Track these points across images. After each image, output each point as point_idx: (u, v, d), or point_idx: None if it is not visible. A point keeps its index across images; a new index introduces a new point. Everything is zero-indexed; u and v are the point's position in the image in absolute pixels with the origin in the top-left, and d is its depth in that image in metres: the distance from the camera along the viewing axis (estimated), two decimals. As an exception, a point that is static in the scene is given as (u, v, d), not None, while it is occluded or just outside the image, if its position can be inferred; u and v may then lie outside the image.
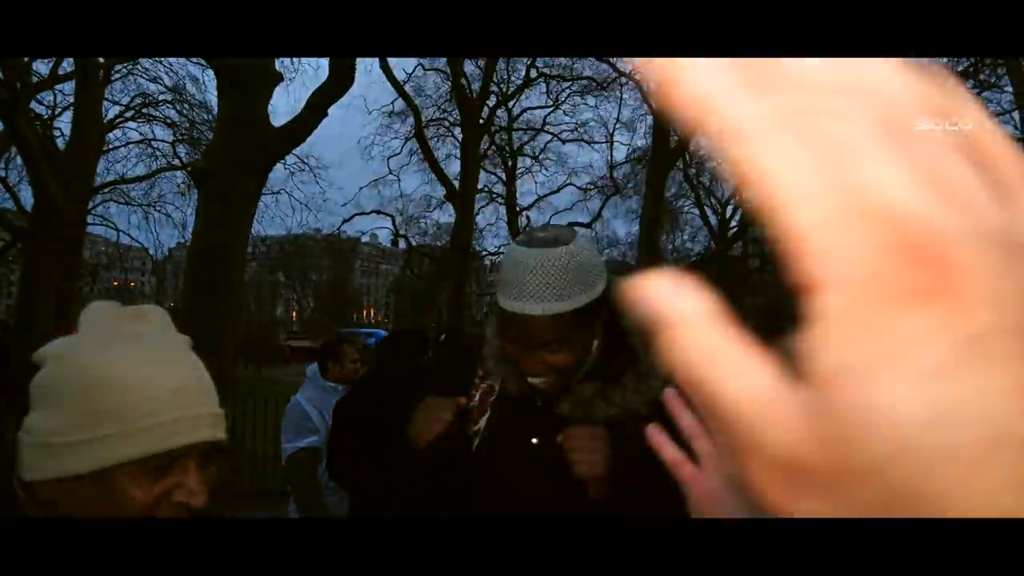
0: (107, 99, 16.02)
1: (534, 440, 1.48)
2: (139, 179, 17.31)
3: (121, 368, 0.88)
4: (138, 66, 16.31)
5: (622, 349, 1.49)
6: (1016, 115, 14.84)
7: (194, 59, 15.50)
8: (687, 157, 24.72)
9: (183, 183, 16.86)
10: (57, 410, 0.87)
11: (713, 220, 30.44)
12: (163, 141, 16.80)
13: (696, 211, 29.96)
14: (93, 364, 0.88)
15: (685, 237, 31.47)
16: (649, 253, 18.96)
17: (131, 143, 17.12)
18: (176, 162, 16.48)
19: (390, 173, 23.94)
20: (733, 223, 29.27)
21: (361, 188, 24.78)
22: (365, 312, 58.86)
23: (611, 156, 24.68)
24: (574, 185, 27.70)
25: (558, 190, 27.92)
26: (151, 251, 19.45)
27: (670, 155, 19.79)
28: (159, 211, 17.89)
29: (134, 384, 0.88)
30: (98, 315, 0.95)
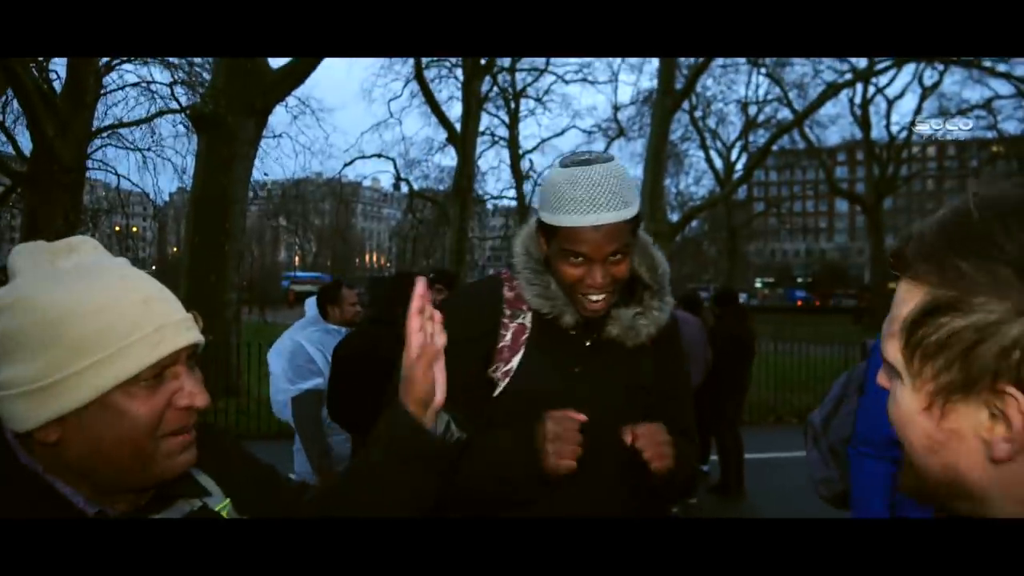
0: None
1: (576, 369, 1.54)
2: (138, 123, 17.02)
3: (84, 295, 0.86)
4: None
5: (634, 273, 1.57)
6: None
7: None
8: (693, 99, 24.27)
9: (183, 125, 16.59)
10: (32, 355, 0.84)
11: (718, 163, 30.13)
12: (161, 84, 16.46)
13: (701, 154, 29.63)
14: (52, 301, 0.84)
15: (690, 180, 31.23)
16: (653, 196, 18.78)
17: (128, 86, 16.78)
18: (175, 105, 16.18)
19: (391, 116, 23.65)
20: (738, 166, 28.95)
21: (363, 133, 24.40)
22: (368, 257, 58.83)
23: (615, 98, 24.30)
24: (578, 127, 27.39)
25: (562, 133, 27.67)
26: (151, 196, 19.19)
27: (675, 97, 19.43)
28: (158, 155, 17.64)
29: (104, 306, 0.85)
30: (28, 258, 0.90)
